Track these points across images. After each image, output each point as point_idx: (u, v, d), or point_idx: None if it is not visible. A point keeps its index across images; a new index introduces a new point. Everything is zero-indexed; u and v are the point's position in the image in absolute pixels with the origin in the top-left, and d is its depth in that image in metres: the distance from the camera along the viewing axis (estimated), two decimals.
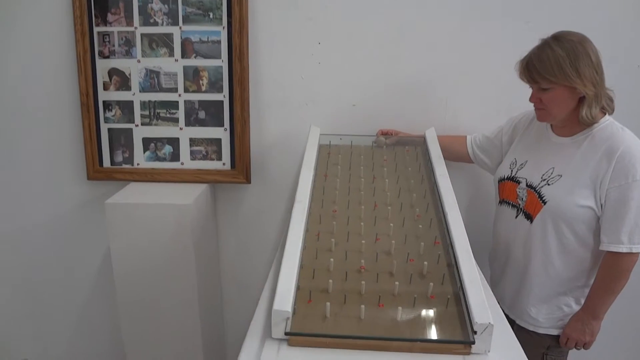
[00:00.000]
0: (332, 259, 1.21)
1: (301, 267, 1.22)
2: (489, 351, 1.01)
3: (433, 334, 1.03)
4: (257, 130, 1.90)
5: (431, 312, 1.08)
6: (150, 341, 1.88)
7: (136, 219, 1.73)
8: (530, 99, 1.41)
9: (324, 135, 1.78)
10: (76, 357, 2.29)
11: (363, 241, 1.27)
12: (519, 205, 1.50)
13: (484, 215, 1.87)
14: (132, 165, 1.94)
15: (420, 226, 1.33)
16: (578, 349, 1.49)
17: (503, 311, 1.55)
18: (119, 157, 1.94)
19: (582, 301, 1.48)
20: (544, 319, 1.50)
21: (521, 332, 1.53)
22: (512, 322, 1.55)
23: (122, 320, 1.86)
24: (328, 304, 1.07)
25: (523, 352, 1.06)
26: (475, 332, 0.99)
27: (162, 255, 1.76)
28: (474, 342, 0.99)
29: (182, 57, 1.85)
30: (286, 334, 1.02)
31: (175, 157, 1.93)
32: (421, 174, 1.59)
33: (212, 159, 1.92)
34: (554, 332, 1.51)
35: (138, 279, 1.80)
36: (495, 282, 1.66)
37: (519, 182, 1.51)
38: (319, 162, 1.65)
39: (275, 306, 1.03)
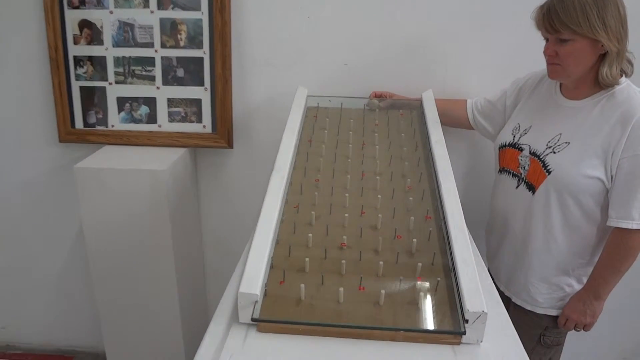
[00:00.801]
0: (310, 235, 1.09)
1: (277, 242, 1.10)
2: (481, 341, 0.90)
3: (419, 322, 0.92)
4: (240, 91, 1.76)
5: (418, 297, 0.96)
6: (127, 311, 1.79)
7: (108, 185, 1.60)
8: (545, 51, 1.26)
9: (312, 97, 1.64)
10: (53, 325, 2.22)
11: (347, 214, 1.15)
12: (521, 174, 1.37)
13: (482, 185, 1.74)
14: (107, 127, 1.80)
15: (411, 198, 1.21)
16: (577, 331, 1.39)
17: (498, 289, 1.45)
18: (92, 118, 1.80)
19: (584, 280, 1.36)
20: (543, 299, 1.40)
21: (517, 311, 1.43)
22: (507, 300, 1.45)
23: (97, 292, 1.77)
24: (303, 285, 0.95)
25: (520, 341, 0.94)
26: (466, 321, 0.88)
27: (137, 224, 1.65)
28: (464, 333, 0.88)
29: (159, 8, 1.68)
30: (253, 320, 0.91)
31: (152, 118, 1.79)
32: (415, 141, 1.45)
33: (191, 122, 1.78)
34: (553, 312, 1.40)
35: (111, 249, 1.69)
36: (491, 257, 1.55)
37: (521, 149, 1.37)
38: (304, 126, 1.51)
39: (242, 288, 0.92)
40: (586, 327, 1.36)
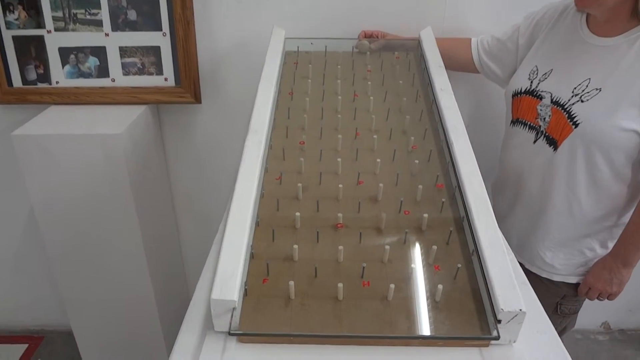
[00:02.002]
0: (298, 213, 0.88)
1: (257, 224, 0.90)
2: (514, 341, 0.73)
3: (438, 323, 0.73)
4: (205, 35, 1.49)
5: (435, 290, 0.77)
6: (92, 288, 1.59)
7: (54, 154, 1.36)
8: None
9: (291, 40, 1.38)
10: (20, 305, 2.03)
11: (340, 185, 0.94)
12: (540, 127, 1.17)
13: (487, 136, 1.54)
14: (50, 84, 1.53)
15: (417, 161, 1.00)
16: (601, 300, 1.24)
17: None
18: (31, 74, 1.53)
19: (609, 244, 1.20)
20: (561, 265, 1.24)
21: (531, 279, 1.26)
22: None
23: (56, 271, 1.56)
24: (292, 283, 0.76)
25: (559, 339, 0.77)
26: (499, 321, 0.70)
27: (94, 195, 1.42)
28: (497, 337, 0.70)
29: None
30: (231, 333, 0.72)
31: (103, 71, 1.52)
32: (416, 89, 1.23)
33: (150, 74, 1.51)
34: (572, 279, 1.25)
35: (67, 224, 1.47)
36: (499, 219, 1.36)
37: (540, 98, 1.16)
38: (282, 75, 1.27)
39: (215, 293, 0.72)
40: (611, 296, 1.21)
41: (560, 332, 1.32)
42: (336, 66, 1.30)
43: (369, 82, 1.24)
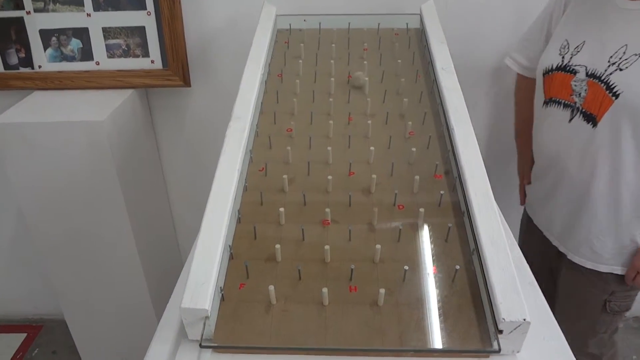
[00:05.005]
0: (282, 209, 0.81)
1: (238, 221, 0.82)
2: (518, 351, 0.65)
3: (433, 332, 0.66)
4: (193, 13, 1.40)
5: (430, 294, 0.70)
6: (83, 278, 1.54)
7: (36, 143, 1.30)
8: None
9: (282, 17, 1.29)
10: (19, 295, 2.00)
11: (330, 176, 0.86)
12: (575, 104, 1.06)
13: (501, 121, 1.44)
14: (33, 68, 1.46)
15: (414, 149, 0.91)
16: None
17: (550, 242, 1.19)
18: (13, 58, 1.45)
19: None
20: (609, 254, 1.12)
21: (573, 272, 1.18)
22: (559, 256, 1.20)
23: (45, 261, 1.51)
24: (272, 287, 0.69)
25: (568, 345, 0.70)
26: (500, 332, 0.63)
27: (80, 185, 1.36)
28: (498, 351, 0.63)
29: None
30: (202, 345, 0.65)
31: (87, 54, 1.44)
32: (415, 69, 1.14)
33: (136, 56, 1.43)
34: (620, 270, 1.13)
35: (54, 214, 1.42)
36: (540, 206, 1.27)
37: (574, 72, 1.06)
38: (272, 55, 1.19)
39: (186, 301, 0.65)
40: None
41: (612, 333, 1.22)
42: (330, 45, 1.21)
43: (365, 62, 1.15)
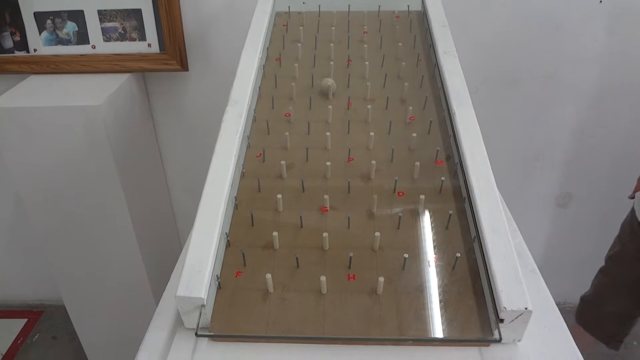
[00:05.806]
0: (279, 195, 0.80)
1: (235, 207, 0.81)
2: (520, 340, 0.65)
3: (433, 321, 0.65)
4: None
5: (430, 282, 0.69)
6: (83, 265, 1.54)
7: (31, 128, 1.28)
8: None
9: None
10: (19, 280, 2.00)
11: (328, 162, 0.85)
12: None
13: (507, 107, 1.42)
14: (28, 51, 1.44)
15: (415, 135, 0.90)
16: None
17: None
18: (8, 42, 1.43)
19: None
20: None
21: None
22: None
23: (46, 248, 1.51)
24: (269, 275, 0.68)
25: (570, 336, 0.69)
26: (501, 321, 0.61)
27: (76, 171, 1.35)
28: (499, 340, 0.62)
29: None
30: (198, 334, 0.64)
31: (82, 38, 1.41)
32: (417, 52, 1.11)
33: (132, 39, 1.41)
34: None
35: (53, 201, 1.41)
36: None
37: None
38: (271, 39, 1.16)
39: (181, 289, 0.64)
40: None
41: None
42: (330, 28, 1.18)
43: (365, 45, 1.12)
